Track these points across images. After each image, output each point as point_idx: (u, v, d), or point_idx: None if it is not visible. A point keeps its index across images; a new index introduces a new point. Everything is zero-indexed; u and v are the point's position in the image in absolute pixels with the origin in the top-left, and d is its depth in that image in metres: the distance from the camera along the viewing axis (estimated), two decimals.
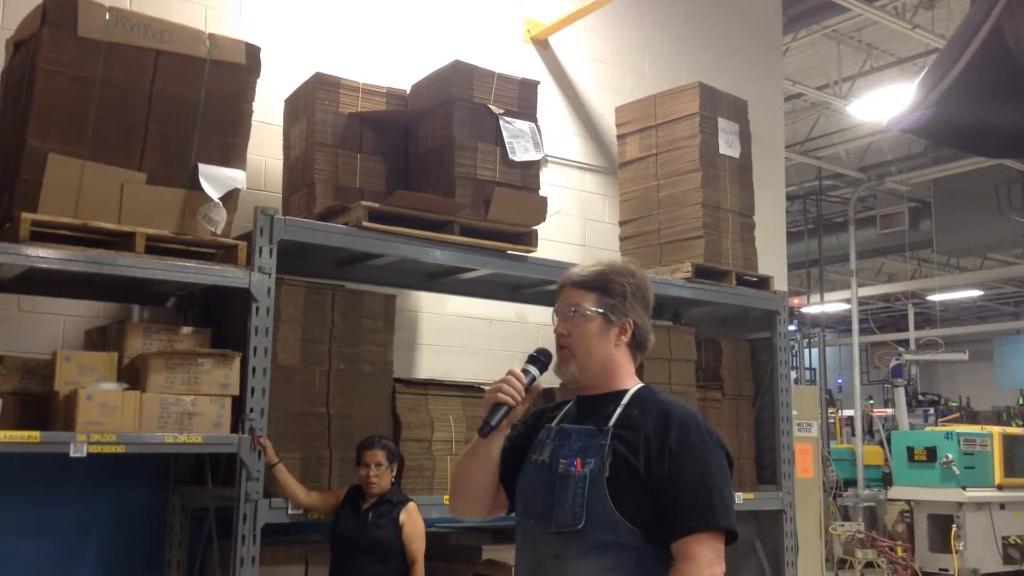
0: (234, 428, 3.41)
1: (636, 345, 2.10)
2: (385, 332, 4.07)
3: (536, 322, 5.11)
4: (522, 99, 4.38)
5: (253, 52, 3.57)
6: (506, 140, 4.26)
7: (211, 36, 3.49)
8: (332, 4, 4.93)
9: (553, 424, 2.10)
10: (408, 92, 4.43)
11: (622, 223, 5.40)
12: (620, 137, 5.47)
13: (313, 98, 4.12)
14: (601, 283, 2.08)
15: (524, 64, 5.44)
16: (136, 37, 3.29)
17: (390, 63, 4.90)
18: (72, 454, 3.02)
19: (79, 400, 3.11)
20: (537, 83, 4.47)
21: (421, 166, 4.28)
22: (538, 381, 2.07)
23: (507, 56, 5.35)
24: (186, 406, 3.35)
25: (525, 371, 2.06)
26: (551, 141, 5.32)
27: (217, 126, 3.49)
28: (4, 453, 2.95)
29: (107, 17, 3.24)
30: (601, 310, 2.05)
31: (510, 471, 2.11)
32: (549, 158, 5.43)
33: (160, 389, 3.32)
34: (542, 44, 5.69)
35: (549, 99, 5.47)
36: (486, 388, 2.08)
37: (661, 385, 4.74)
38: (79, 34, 3.17)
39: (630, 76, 6.03)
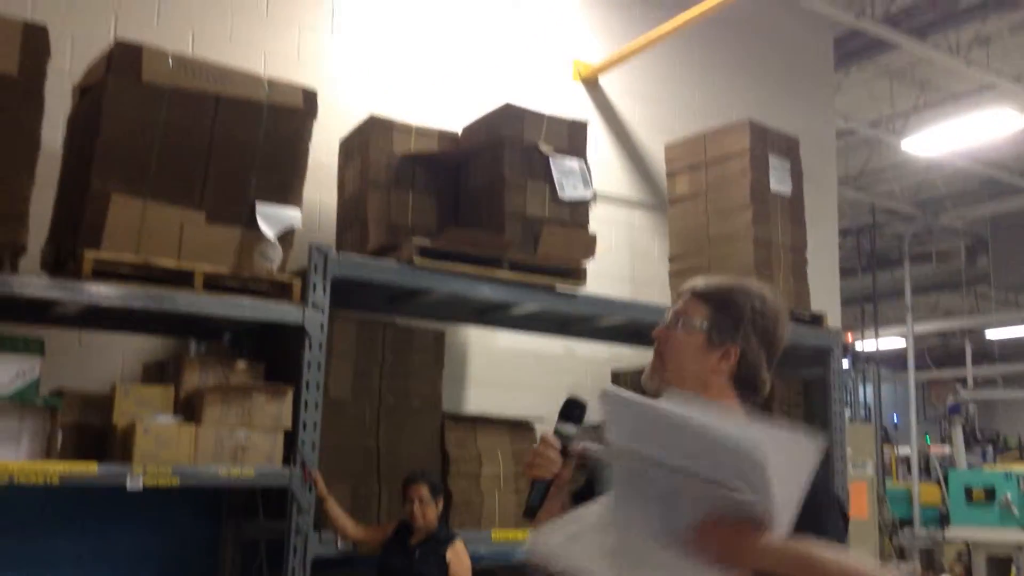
0: (286, 461, 3.46)
1: (741, 381, 1.80)
2: (434, 367, 4.11)
3: (584, 357, 5.12)
4: (571, 138, 4.42)
5: (310, 96, 3.67)
6: (555, 178, 4.30)
7: (270, 81, 3.59)
8: (387, 49, 5.06)
9: None
10: (460, 133, 4.51)
11: (672, 259, 5.39)
12: (670, 174, 5.48)
13: (367, 139, 4.21)
14: (720, 298, 1.83)
15: (574, 103, 5.51)
16: (198, 82, 3.40)
17: (443, 105, 5.00)
18: (128, 487, 3.10)
19: (136, 433, 3.19)
20: (586, 124, 4.52)
21: (472, 204, 4.34)
22: (576, 439, 1.85)
23: (558, 96, 5.42)
24: (240, 440, 3.41)
25: (558, 433, 1.85)
26: (600, 178, 5.35)
27: (274, 167, 3.58)
28: (63, 485, 3.02)
29: (170, 63, 3.36)
30: (707, 326, 1.79)
31: None
32: (598, 195, 5.46)
33: (215, 423, 3.38)
34: (591, 83, 5.76)
35: (598, 137, 5.52)
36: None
37: None
38: (143, 79, 3.29)
39: (679, 113, 6.05)
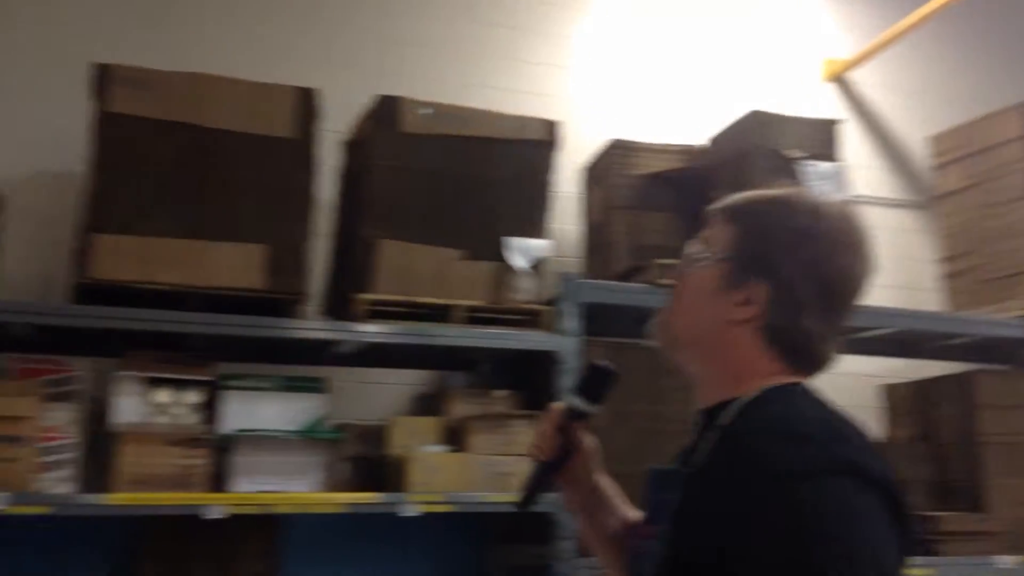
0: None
1: (780, 339, 1.28)
2: (687, 389, 4.03)
3: (850, 372, 4.82)
4: (823, 140, 4.23)
5: (554, 128, 3.76)
6: (808, 184, 4.12)
7: (515, 117, 3.73)
8: (626, 72, 5.08)
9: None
10: (704, 147, 4.44)
11: (942, 260, 5.00)
12: (936, 168, 5.09)
13: (609, 163, 4.24)
14: (745, 215, 1.33)
15: (826, 104, 5.30)
16: (449, 126, 3.59)
17: (686, 120, 4.94)
18: (405, 513, 3.30)
19: (410, 462, 3.40)
20: (838, 123, 4.30)
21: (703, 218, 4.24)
22: (591, 414, 1.47)
23: (808, 98, 5.24)
24: (502, 466, 3.53)
25: (570, 406, 1.47)
26: (858, 180, 5.07)
27: (523, 200, 3.71)
28: (346, 513, 3.27)
29: (425, 111, 3.57)
30: (728, 254, 1.30)
31: None
32: (857, 198, 5.17)
33: (480, 450, 3.53)
34: (842, 82, 5.48)
35: (854, 136, 5.24)
36: None
37: (994, 436, 4.29)
38: (403, 130, 3.51)
39: (942, 103, 5.60)
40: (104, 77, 3.22)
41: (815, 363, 1.33)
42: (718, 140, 4.37)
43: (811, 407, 1.25)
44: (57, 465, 3.09)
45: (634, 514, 1.55)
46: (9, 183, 3.71)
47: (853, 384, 4.76)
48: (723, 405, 1.29)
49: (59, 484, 3.09)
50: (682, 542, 1.18)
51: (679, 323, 1.37)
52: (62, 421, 3.13)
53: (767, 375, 1.28)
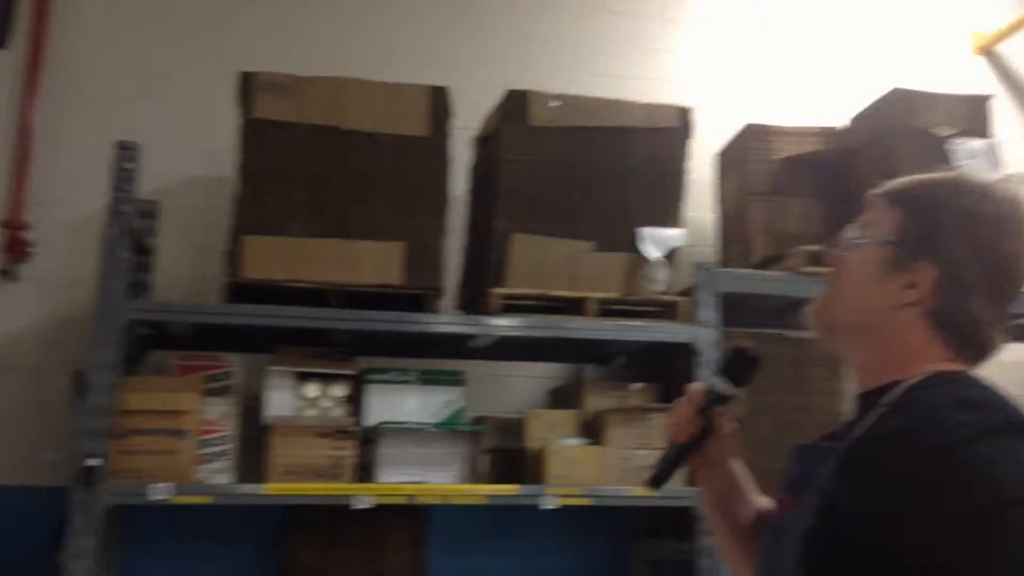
0: (689, 482, 3.49)
1: (947, 323, 1.23)
2: (831, 381, 3.91)
3: (1008, 361, 4.57)
4: (972, 117, 4.01)
5: (685, 115, 3.71)
6: (957, 163, 3.92)
7: (645, 105, 3.68)
8: (762, 53, 4.95)
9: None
10: (844, 128, 4.28)
11: None
12: None
13: (744, 149, 4.14)
14: (918, 196, 1.28)
15: (976, 78, 5.03)
16: (578, 118, 3.58)
17: (825, 101, 4.77)
18: (544, 506, 3.32)
19: (548, 455, 3.41)
20: (987, 98, 4.08)
21: (863, 203, 4.08)
22: (732, 397, 1.43)
23: (955, 73, 4.99)
24: (640, 460, 3.51)
25: (711, 389, 1.44)
26: (1011, 157, 4.78)
27: (654, 189, 3.66)
28: (485, 505, 3.32)
29: (553, 104, 3.57)
30: (893, 238, 1.26)
31: None
32: (1015, 176, 4.88)
33: (617, 444, 3.52)
34: (992, 54, 5.18)
35: (1005, 112, 4.95)
36: None
37: None
38: (531, 124, 3.53)
39: None
40: (249, 84, 3.37)
41: (981, 349, 1.26)
42: (860, 120, 4.20)
43: (980, 389, 1.19)
44: (215, 457, 3.26)
45: (769, 503, 1.48)
46: (164, 190, 3.92)
47: (1006, 374, 4.51)
48: (885, 388, 1.23)
49: (217, 475, 3.25)
50: (839, 511, 1.14)
51: (839, 309, 1.32)
52: (219, 415, 3.30)
53: (932, 361, 1.23)
